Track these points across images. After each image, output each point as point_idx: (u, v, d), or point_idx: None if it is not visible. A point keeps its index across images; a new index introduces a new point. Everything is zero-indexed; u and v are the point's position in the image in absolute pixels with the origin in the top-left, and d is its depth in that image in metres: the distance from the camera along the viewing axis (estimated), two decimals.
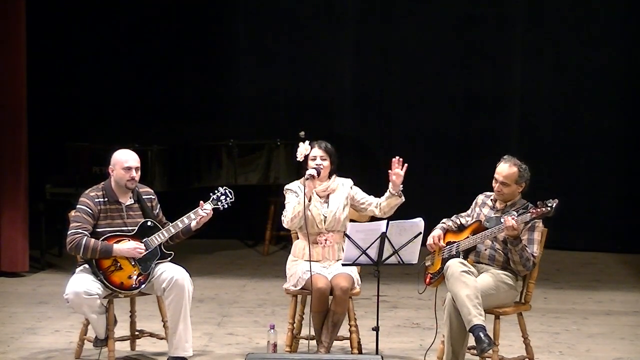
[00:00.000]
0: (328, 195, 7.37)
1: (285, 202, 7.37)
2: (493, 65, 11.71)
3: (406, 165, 7.20)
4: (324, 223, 7.31)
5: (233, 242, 11.80)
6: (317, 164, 7.29)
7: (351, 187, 7.43)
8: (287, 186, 7.43)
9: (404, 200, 7.25)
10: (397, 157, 7.18)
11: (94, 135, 10.75)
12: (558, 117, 11.74)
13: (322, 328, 7.20)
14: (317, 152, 7.34)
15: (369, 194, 7.41)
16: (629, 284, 10.26)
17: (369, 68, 11.90)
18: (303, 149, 7.34)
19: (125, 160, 7.18)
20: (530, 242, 7.00)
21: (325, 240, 7.32)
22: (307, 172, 7.25)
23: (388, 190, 7.25)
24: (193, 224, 7.27)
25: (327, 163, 7.33)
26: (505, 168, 7.06)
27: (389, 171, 7.20)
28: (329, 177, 7.40)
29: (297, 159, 7.37)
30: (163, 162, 10.47)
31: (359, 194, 7.42)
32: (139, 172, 7.24)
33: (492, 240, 7.08)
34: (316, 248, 7.29)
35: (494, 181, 7.10)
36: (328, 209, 7.33)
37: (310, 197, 7.27)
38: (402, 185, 7.22)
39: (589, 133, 11.66)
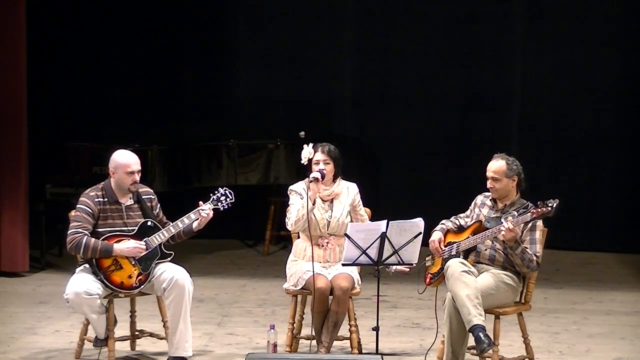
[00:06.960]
0: (332, 200, 7.35)
1: (289, 202, 7.33)
2: (493, 65, 11.70)
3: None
4: (327, 228, 7.29)
5: (233, 242, 11.78)
6: (320, 169, 7.23)
7: (356, 194, 7.39)
8: (291, 187, 7.39)
9: None
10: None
11: (94, 135, 10.75)
12: (558, 117, 11.73)
13: (322, 328, 7.20)
14: (319, 156, 7.27)
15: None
16: (629, 284, 10.25)
17: (369, 68, 11.89)
18: (307, 152, 7.26)
19: (128, 165, 7.17)
20: (533, 242, 7.01)
21: (327, 243, 7.31)
22: (311, 175, 7.21)
23: None
24: (195, 224, 7.27)
25: (330, 167, 7.27)
26: (493, 164, 7.13)
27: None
28: (334, 180, 7.36)
29: (302, 162, 7.31)
30: (163, 162, 10.46)
31: (359, 206, 7.39)
32: (140, 173, 7.26)
33: (492, 240, 7.07)
34: (317, 250, 7.27)
35: (487, 180, 7.13)
36: (332, 213, 7.30)
37: (315, 200, 7.24)
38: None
39: (589, 133, 11.65)
